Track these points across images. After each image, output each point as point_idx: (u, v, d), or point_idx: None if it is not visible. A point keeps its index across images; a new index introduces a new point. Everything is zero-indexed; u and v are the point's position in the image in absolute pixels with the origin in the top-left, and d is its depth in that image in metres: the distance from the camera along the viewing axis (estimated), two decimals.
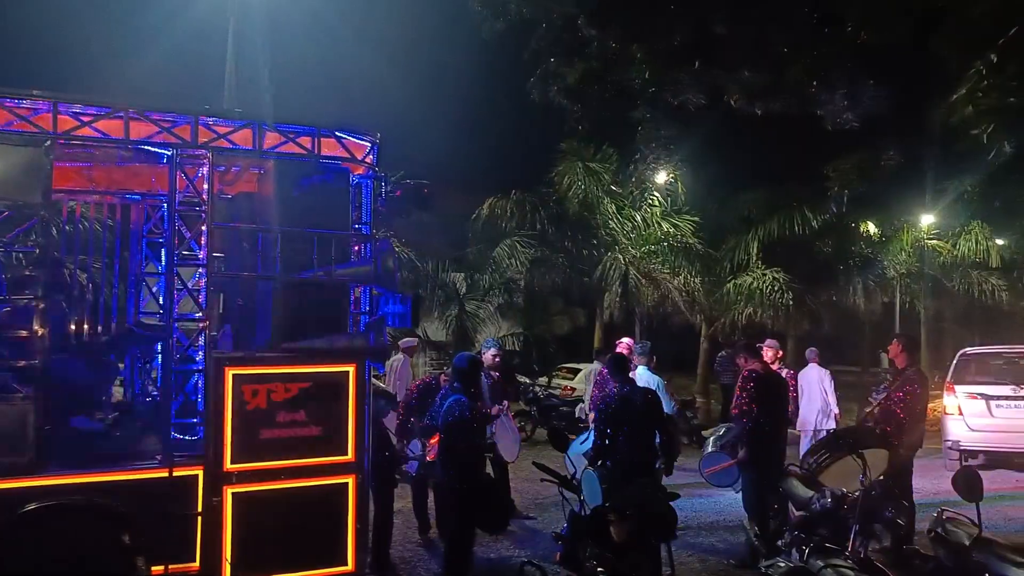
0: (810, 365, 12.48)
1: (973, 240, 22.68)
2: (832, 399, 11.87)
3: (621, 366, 7.16)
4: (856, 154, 14.79)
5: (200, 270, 5.93)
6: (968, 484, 4.55)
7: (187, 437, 5.86)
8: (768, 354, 9.67)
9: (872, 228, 23.15)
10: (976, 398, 12.18)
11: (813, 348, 12.85)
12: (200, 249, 5.82)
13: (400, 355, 11.70)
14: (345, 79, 22.68)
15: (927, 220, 23.94)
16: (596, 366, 13.28)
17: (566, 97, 9.01)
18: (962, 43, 6.21)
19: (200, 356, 5.87)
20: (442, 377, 8.14)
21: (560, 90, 8.95)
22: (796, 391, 11.53)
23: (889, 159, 15.91)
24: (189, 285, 6.00)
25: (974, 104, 5.98)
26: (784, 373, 9.66)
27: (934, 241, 23.57)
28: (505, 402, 8.95)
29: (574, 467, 5.71)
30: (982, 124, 6.23)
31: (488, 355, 8.71)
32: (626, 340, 10.58)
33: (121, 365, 7.43)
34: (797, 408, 11.47)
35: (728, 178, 20.50)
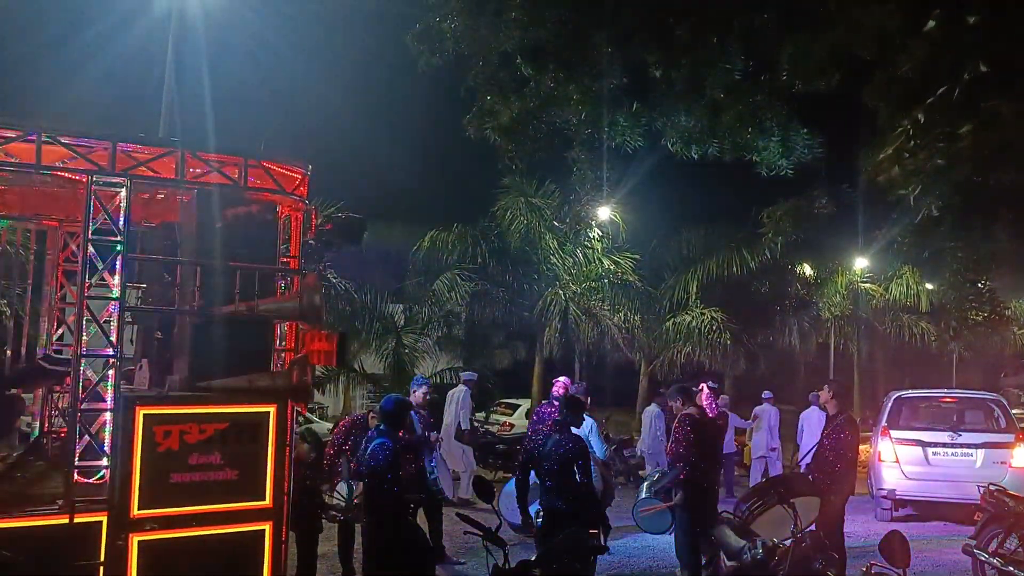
0: (812, 407, 13.13)
1: (904, 285, 23.34)
2: None
3: (574, 410, 6.95)
4: (790, 201, 15.12)
5: (113, 303, 5.63)
6: (896, 550, 4.50)
7: (93, 480, 5.51)
8: (705, 396, 9.60)
9: (808, 270, 23.66)
10: (912, 444, 11.81)
11: (816, 394, 13.80)
12: (114, 281, 5.53)
13: (462, 386, 13.13)
14: (284, 109, 22.51)
15: (860, 264, 24.57)
16: (654, 408, 13.58)
17: (500, 135, 8.96)
18: (890, 98, 6.30)
19: (110, 393, 5.55)
20: (370, 416, 7.90)
21: (494, 128, 8.89)
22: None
23: (822, 207, 16.29)
24: (104, 318, 5.69)
25: (901, 165, 6.03)
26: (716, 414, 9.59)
27: (867, 285, 24.17)
28: (436, 435, 8.82)
29: (501, 518, 5.53)
30: (909, 185, 6.28)
31: (418, 394, 8.55)
32: (562, 379, 10.46)
33: (28, 400, 7.03)
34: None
35: (667, 217, 20.78)
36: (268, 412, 5.60)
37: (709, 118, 8.41)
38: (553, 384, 10.29)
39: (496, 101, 8.96)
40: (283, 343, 6.25)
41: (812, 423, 13.16)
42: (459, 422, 12.81)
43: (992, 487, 8.45)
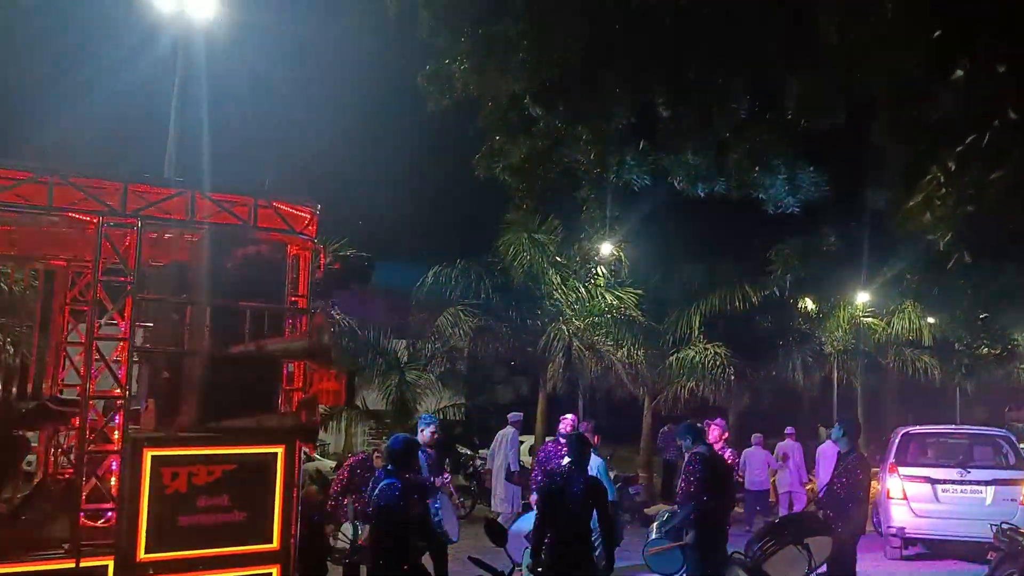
0: (828, 441, 13.00)
1: (907, 319, 23.29)
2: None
3: (581, 448, 6.81)
4: (797, 238, 15.16)
5: (121, 343, 5.61)
6: None
7: (99, 524, 5.45)
8: (714, 434, 9.51)
9: (810, 305, 23.61)
10: (922, 481, 11.67)
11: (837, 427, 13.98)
12: (123, 321, 5.51)
13: (509, 428, 13.27)
14: (291, 148, 22.65)
15: (863, 298, 24.54)
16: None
17: (510, 175, 9.01)
18: (915, 143, 6.32)
19: (117, 435, 5.51)
20: (375, 455, 7.82)
21: (504, 168, 8.94)
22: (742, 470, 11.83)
23: (830, 245, 16.35)
24: (112, 357, 5.67)
25: (931, 212, 6.04)
26: (727, 454, 9.49)
27: (869, 319, 24.11)
28: (447, 475, 8.73)
29: (512, 560, 5.45)
30: (939, 231, 6.29)
31: (425, 433, 8.47)
32: (570, 417, 10.37)
33: (31, 439, 6.97)
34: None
35: (671, 252, 20.77)
36: (276, 453, 5.56)
37: (716, 157, 8.47)
38: (560, 421, 10.21)
39: (506, 141, 9.02)
40: (291, 383, 6.21)
41: (829, 458, 13.10)
42: (508, 463, 12.79)
43: (1005, 525, 8.36)
